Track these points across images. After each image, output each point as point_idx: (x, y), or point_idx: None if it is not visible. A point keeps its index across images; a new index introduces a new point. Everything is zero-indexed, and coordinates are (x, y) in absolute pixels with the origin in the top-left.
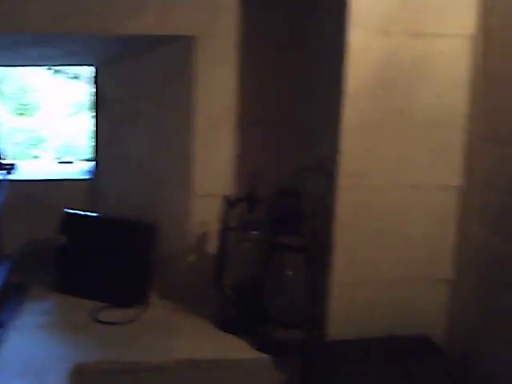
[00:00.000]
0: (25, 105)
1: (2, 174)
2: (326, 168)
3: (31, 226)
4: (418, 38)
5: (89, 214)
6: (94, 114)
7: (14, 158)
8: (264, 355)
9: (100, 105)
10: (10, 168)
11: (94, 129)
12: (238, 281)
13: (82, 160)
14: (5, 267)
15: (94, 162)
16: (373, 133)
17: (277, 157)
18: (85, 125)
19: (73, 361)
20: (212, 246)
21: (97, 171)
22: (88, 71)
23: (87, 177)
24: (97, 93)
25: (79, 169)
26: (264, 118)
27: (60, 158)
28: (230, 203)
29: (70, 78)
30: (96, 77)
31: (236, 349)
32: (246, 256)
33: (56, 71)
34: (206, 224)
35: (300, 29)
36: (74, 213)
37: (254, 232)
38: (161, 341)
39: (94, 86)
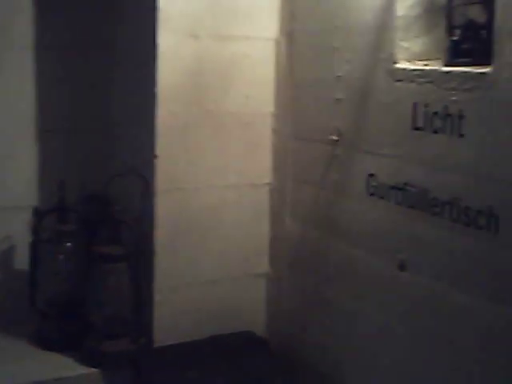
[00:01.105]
0: None
1: None
2: (140, 173)
3: None
4: (226, 41)
5: None
6: None
7: None
8: (93, 369)
9: None
10: None
11: None
12: (55, 295)
13: None
14: None
15: None
16: (187, 136)
17: (86, 164)
18: None
19: None
20: (22, 261)
21: None
22: None
23: None
24: None
25: None
26: (68, 125)
27: None
28: (38, 215)
29: None
30: None
31: (62, 366)
32: (61, 269)
33: None
34: (11, 238)
35: (104, 32)
36: None
37: (68, 243)
38: None
39: None
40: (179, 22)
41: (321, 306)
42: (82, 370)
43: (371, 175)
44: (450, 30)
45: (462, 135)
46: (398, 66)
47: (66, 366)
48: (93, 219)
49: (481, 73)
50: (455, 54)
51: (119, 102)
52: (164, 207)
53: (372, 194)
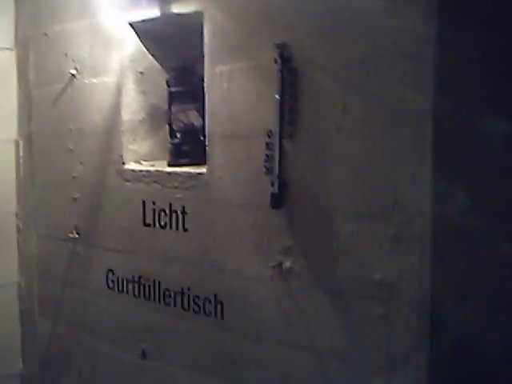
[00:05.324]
0: None
1: None
2: None
3: None
4: None
5: None
6: None
7: None
8: None
9: None
10: None
11: None
12: None
13: None
14: None
15: None
16: None
17: None
18: None
19: None
20: None
21: None
22: None
23: None
24: None
25: None
26: None
27: None
28: None
29: None
30: None
31: None
32: None
33: None
34: None
35: None
36: None
37: None
38: None
39: None
40: None
41: None
42: None
43: (110, 270)
44: (172, 133)
45: (186, 230)
46: (126, 166)
47: None
48: None
49: (198, 173)
50: (177, 156)
51: None
52: None
53: (112, 289)
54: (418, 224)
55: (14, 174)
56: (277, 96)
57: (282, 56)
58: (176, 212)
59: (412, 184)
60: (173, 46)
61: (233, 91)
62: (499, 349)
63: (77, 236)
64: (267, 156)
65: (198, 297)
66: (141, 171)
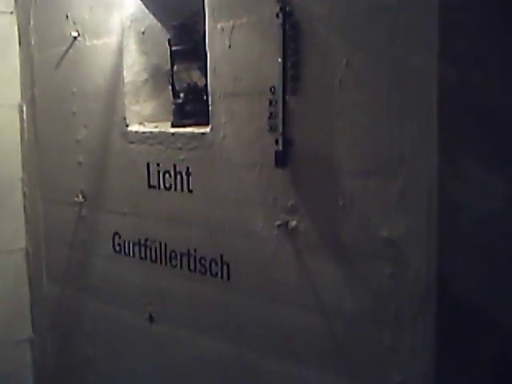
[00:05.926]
0: None
1: None
2: None
3: None
4: None
5: None
6: None
7: None
8: None
9: None
10: None
11: None
12: None
13: None
14: None
15: None
16: None
17: None
18: None
19: None
20: None
21: None
22: None
23: None
24: None
25: None
26: None
27: None
28: None
29: None
30: None
31: None
32: None
33: None
34: None
35: None
36: None
37: None
38: None
39: None
40: None
41: (83, 364)
42: None
43: (116, 233)
44: (175, 93)
45: (191, 191)
46: (130, 128)
47: None
48: None
49: (201, 133)
50: (180, 116)
51: None
52: None
53: (118, 252)
54: (424, 180)
55: (18, 139)
56: (279, 51)
57: (283, 10)
58: (180, 173)
59: (418, 139)
60: (173, 3)
61: (234, 48)
62: (506, 306)
63: (82, 200)
64: (271, 113)
65: (204, 258)
66: (144, 133)
